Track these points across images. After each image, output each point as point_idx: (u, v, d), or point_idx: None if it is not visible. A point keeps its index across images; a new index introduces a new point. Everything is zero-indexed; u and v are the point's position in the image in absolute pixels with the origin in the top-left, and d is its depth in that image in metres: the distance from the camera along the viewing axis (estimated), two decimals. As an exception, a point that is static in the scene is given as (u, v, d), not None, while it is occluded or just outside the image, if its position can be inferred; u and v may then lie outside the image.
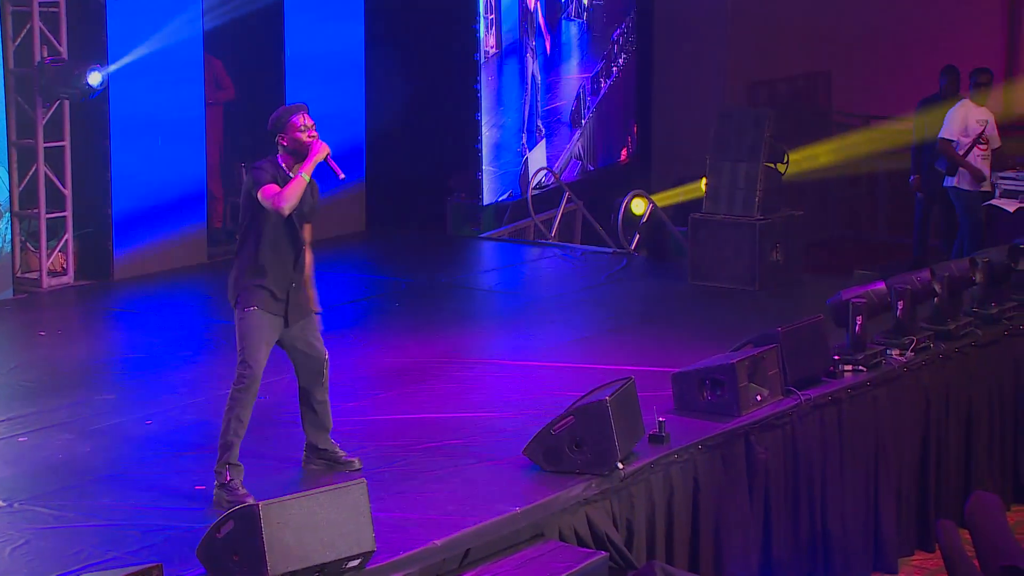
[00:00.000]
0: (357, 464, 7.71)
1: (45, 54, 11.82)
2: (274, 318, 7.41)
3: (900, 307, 9.94)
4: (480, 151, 14.91)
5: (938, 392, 10.02)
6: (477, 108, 14.88)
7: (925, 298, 10.11)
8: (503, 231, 14.94)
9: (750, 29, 18.09)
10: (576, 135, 15.87)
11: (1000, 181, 13.33)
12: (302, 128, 7.36)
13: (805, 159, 15.87)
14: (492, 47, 15.00)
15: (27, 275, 12.02)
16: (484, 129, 14.86)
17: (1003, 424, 10.66)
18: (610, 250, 13.95)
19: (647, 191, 15.13)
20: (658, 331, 11.00)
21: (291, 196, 7.25)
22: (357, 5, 14.30)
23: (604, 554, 7.19)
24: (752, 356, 8.85)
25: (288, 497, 6.19)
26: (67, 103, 11.92)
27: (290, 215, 7.31)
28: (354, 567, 6.29)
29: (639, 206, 14.76)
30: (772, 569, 8.68)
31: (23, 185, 11.98)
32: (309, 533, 6.11)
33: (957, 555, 7.65)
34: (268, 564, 5.96)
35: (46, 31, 11.79)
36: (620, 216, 14.38)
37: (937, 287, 10.08)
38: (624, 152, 16.66)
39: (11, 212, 11.84)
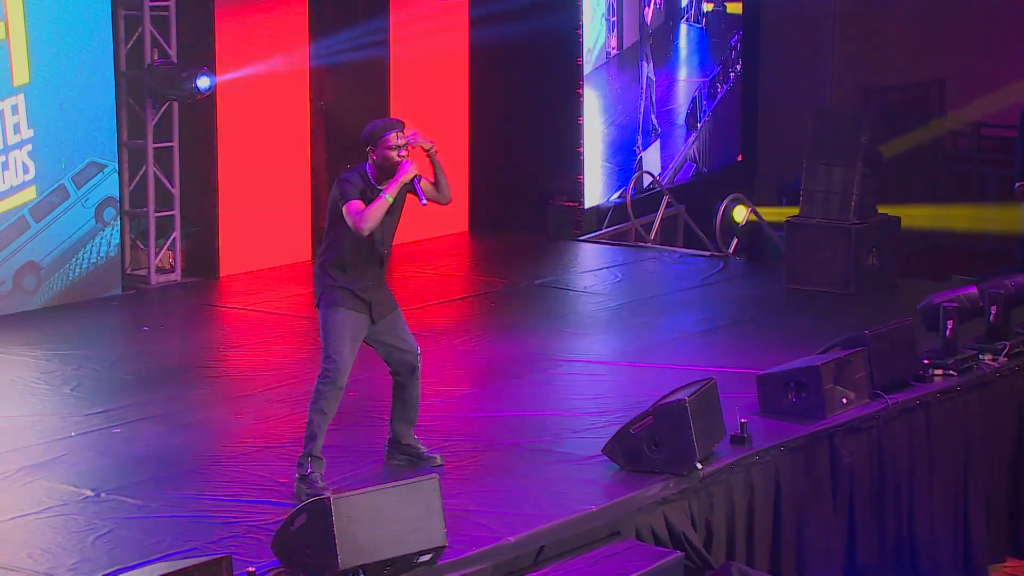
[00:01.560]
0: (439, 460, 7.65)
1: (155, 57, 11.89)
2: (360, 316, 7.37)
3: (993, 312, 9.69)
4: (582, 155, 14.78)
5: (1029, 397, 9.77)
6: (579, 112, 14.75)
7: (1019, 303, 9.85)
8: (603, 234, 14.78)
9: (861, 35, 17.82)
10: (692, 138, 15.70)
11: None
12: (393, 147, 7.29)
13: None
14: (614, 48, 14.91)
15: (136, 272, 12.11)
16: (601, 127, 14.76)
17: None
18: (708, 253, 13.77)
19: (751, 195, 14.96)
20: (750, 333, 10.82)
21: (372, 217, 7.21)
22: (462, 12, 14.24)
23: (679, 554, 7.06)
24: (838, 359, 8.67)
25: (359, 491, 6.15)
26: (176, 105, 11.98)
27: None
28: (425, 561, 6.22)
29: (740, 212, 14.60)
30: (856, 571, 8.49)
31: (133, 185, 12.06)
32: (380, 527, 6.06)
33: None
34: (339, 557, 5.91)
35: (156, 35, 11.86)
36: (719, 220, 14.20)
37: (1030, 293, 9.82)
38: (740, 154, 16.45)
39: (121, 211, 11.92)
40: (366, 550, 6.00)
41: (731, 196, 14.52)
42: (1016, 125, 13.91)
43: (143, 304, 11.64)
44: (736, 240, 14.05)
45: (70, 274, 11.60)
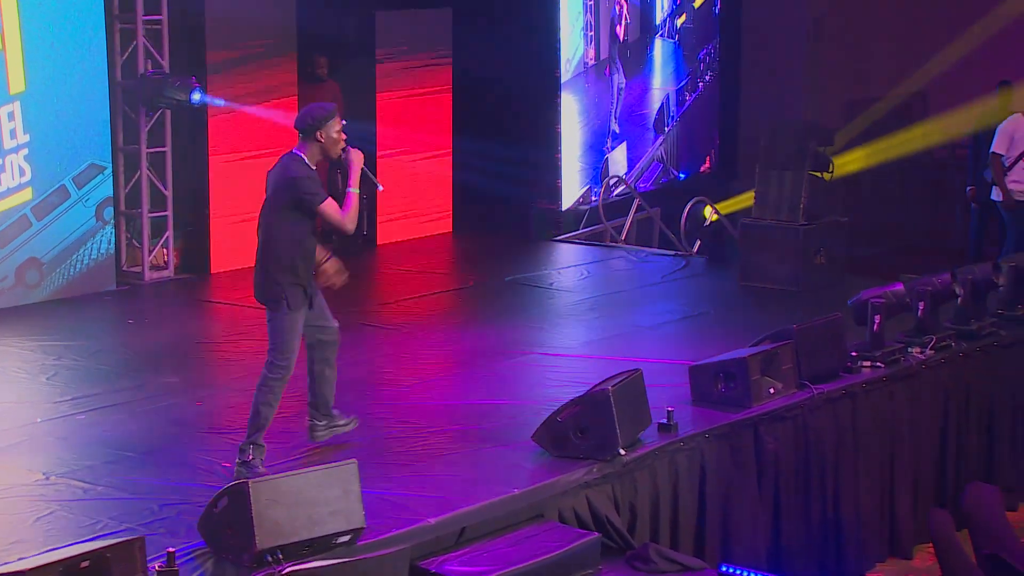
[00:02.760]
0: (354, 423, 7.54)
1: (149, 67, 11.77)
2: (304, 311, 7.20)
3: (921, 307, 9.49)
4: (560, 161, 14.63)
5: (958, 389, 9.57)
6: (557, 121, 14.60)
7: (946, 300, 9.64)
8: (579, 234, 14.61)
9: (843, 49, 17.54)
10: (659, 140, 15.51)
11: (1043, 191, 12.73)
12: (339, 131, 7.07)
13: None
14: (591, 59, 14.75)
15: (132, 269, 11.98)
16: (578, 132, 14.58)
17: (1024, 421, 10.16)
18: (672, 253, 13.58)
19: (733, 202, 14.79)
20: (699, 327, 10.65)
21: (354, 216, 7.04)
22: (445, 22, 14.08)
23: (597, 535, 6.89)
24: (766, 351, 8.49)
25: (279, 475, 6.01)
26: (168, 112, 11.85)
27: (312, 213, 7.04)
28: (344, 542, 6.07)
29: (711, 212, 14.43)
30: (781, 553, 8.31)
31: (129, 187, 11.94)
32: (298, 510, 5.91)
33: (947, 543, 7.24)
34: (256, 539, 5.76)
35: (149, 46, 11.74)
36: (683, 221, 14.02)
37: (958, 289, 9.60)
38: (708, 161, 16.22)
39: (117, 211, 11.80)
40: (284, 532, 5.85)
41: (695, 199, 14.34)
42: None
43: (135, 299, 11.49)
44: (699, 241, 13.84)
45: (71, 270, 11.48)
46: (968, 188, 13.78)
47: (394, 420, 7.97)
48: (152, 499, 6.65)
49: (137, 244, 12.02)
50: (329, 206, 6.97)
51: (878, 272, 13.06)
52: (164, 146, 11.95)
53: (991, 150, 12.77)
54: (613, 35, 15.04)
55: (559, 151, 14.67)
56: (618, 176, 14.92)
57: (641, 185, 15.02)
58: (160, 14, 11.75)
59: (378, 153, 13.24)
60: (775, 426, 8.24)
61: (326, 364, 7.45)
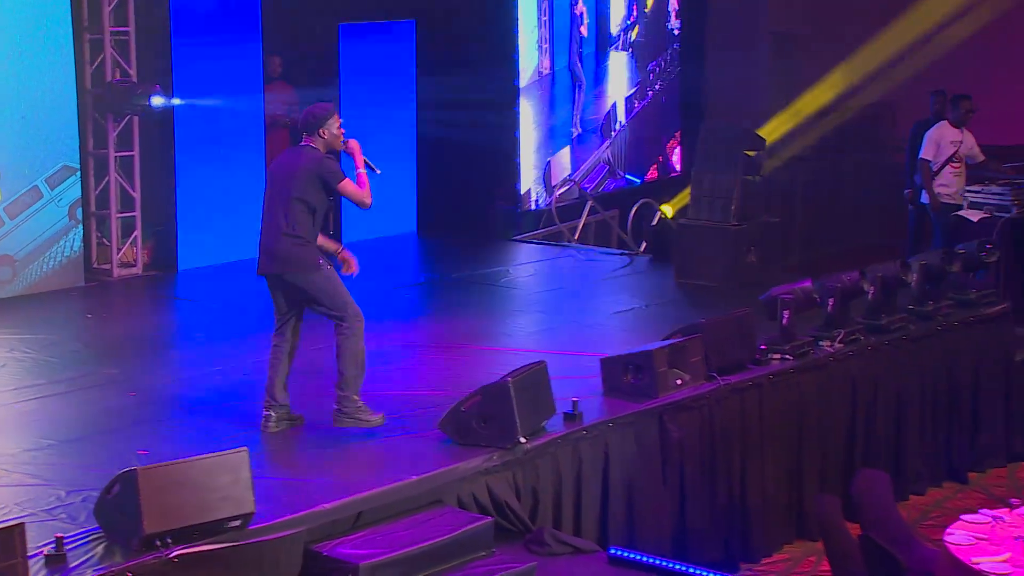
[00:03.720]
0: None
1: (117, 75, 11.65)
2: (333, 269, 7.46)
3: (831, 303, 9.34)
4: (519, 165, 14.49)
5: (866, 381, 9.41)
6: (516, 127, 14.46)
7: (855, 296, 9.48)
8: (536, 234, 14.47)
9: (815, 59, 17.29)
10: (606, 143, 15.35)
11: (967, 194, 12.57)
12: (339, 127, 7.37)
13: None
14: (547, 68, 14.59)
15: (102, 267, 11.87)
16: (533, 136, 14.40)
17: (935, 412, 9.99)
18: (619, 252, 13.43)
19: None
20: (629, 322, 10.50)
21: (370, 192, 7.36)
22: (408, 35, 13.94)
23: (489, 519, 6.75)
24: (674, 344, 8.34)
25: (168, 463, 5.87)
26: (136, 118, 11.72)
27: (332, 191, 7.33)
28: (235, 527, 5.93)
29: (668, 211, 14.29)
30: (686, 535, 8.16)
31: (99, 189, 11.83)
32: (188, 496, 5.78)
33: (830, 526, 7.10)
34: (144, 523, 5.63)
35: (117, 56, 11.62)
36: (629, 222, 13.87)
37: (866, 286, 9.45)
38: (654, 169, 16.04)
39: (88, 212, 11.70)
40: (173, 517, 5.72)
41: (641, 201, 14.19)
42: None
43: (102, 295, 11.36)
44: (644, 240, 13.68)
45: (44, 266, 11.36)
46: (906, 191, 13.63)
47: (312, 408, 7.79)
48: (62, 486, 6.49)
49: (107, 243, 11.90)
50: (348, 184, 7.30)
51: (817, 272, 12.92)
52: (132, 150, 11.83)
53: (920, 156, 12.65)
54: (571, 46, 14.89)
55: (518, 155, 14.54)
56: (568, 178, 14.75)
57: (586, 185, 14.84)
58: (127, 25, 11.63)
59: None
60: (680, 415, 8.10)
61: (293, 352, 7.56)
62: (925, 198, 12.73)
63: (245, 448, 6.03)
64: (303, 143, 7.39)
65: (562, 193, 14.52)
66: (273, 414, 7.44)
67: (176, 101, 11.63)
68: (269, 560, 5.98)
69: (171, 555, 5.63)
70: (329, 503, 6.33)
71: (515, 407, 7.09)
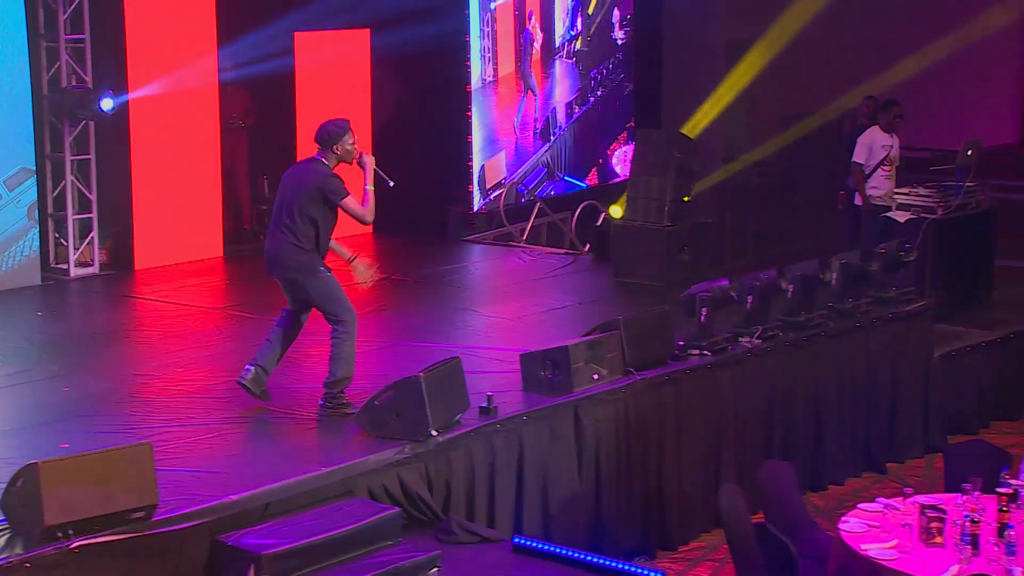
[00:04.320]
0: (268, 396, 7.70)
1: (73, 81, 11.54)
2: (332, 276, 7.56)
3: (750, 301, 9.28)
4: (471, 168, 14.41)
5: (784, 375, 9.36)
6: (469, 131, 14.37)
7: (774, 294, 9.42)
8: (488, 235, 14.38)
9: (773, 64, 17.23)
10: (545, 147, 15.25)
11: (896, 196, 12.50)
12: (353, 143, 7.44)
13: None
14: (490, 75, 14.49)
15: (59, 266, 11.76)
16: (479, 138, 14.31)
17: (854, 405, 9.93)
18: (563, 251, 13.36)
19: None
20: (563, 318, 10.41)
21: (373, 209, 7.43)
22: (363, 42, 13.84)
23: (396, 509, 6.69)
24: (591, 340, 8.27)
25: (70, 456, 5.78)
26: (92, 123, 11.62)
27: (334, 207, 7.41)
28: (139, 518, 5.84)
29: (616, 211, 14.20)
30: (602, 524, 8.09)
31: (56, 192, 11.72)
32: (91, 488, 5.69)
33: (730, 515, 7.03)
34: (45, 515, 5.55)
35: (72, 62, 11.52)
36: (573, 223, 13.80)
37: (784, 284, 9.39)
38: (594, 173, 15.94)
39: (44, 214, 11.61)
40: (75, 509, 5.64)
41: (585, 203, 14.12)
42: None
43: (57, 293, 11.24)
44: (588, 241, 13.60)
45: (2, 265, 11.26)
46: (840, 193, 13.58)
47: (232, 400, 7.70)
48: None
49: (64, 243, 11.79)
50: (351, 201, 7.37)
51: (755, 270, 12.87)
52: (88, 154, 11.73)
53: (852, 160, 12.59)
54: (518, 55, 14.82)
55: (470, 159, 14.45)
56: (502, 181, 14.62)
57: (523, 187, 14.74)
58: (83, 33, 11.53)
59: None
60: (596, 409, 8.03)
61: (288, 343, 7.72)
62: (857, 200, 12.67)
63: (149, 442, 5.94)
64: (316, 156, 7.50)
65: (495, 196, 14.40)
66: (254, 370, 7.59)
67: (121, 99, 11.48)
68: (173, 550, 5.90)
69: (71, 546, 5.54)
70: (236, 495, 6.25)
71: (426, 401, 7.01)
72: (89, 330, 9.95)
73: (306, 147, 13.00)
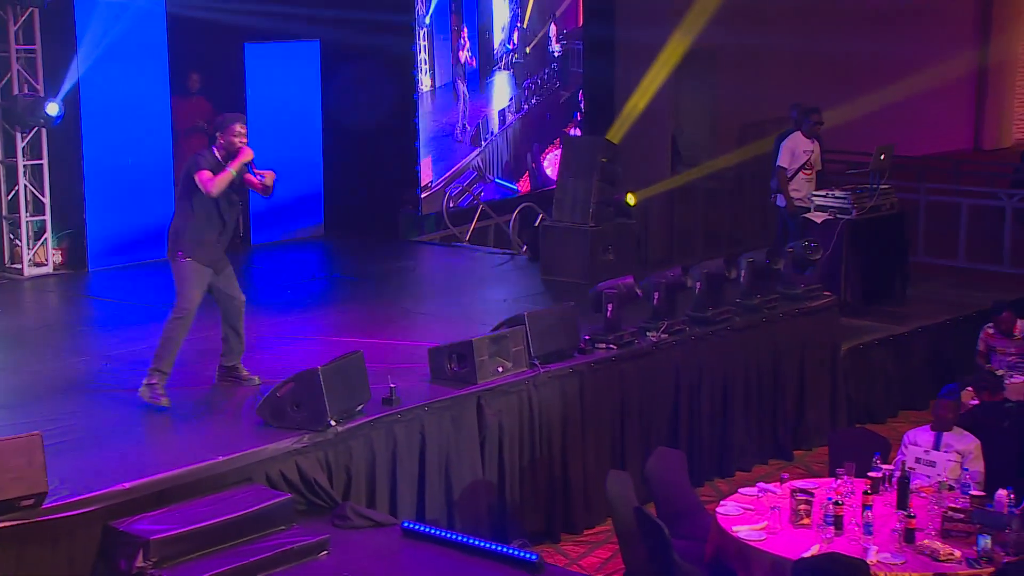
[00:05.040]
0: (257, 381, 7.79)
1: (25, 90, 11.45)
2: (206, 269, 7.52)
3: (656, 297, 9.21)
4: (419, 172, 14.32)
5: (690, 367, 9.30)
6: (416, 137, 14.30)
7: (679, 291, 9.35)
8: (435, 236, 14.31)
9: (736, 74, 17.13)
10: (475, 151, 15.14)
11: (814, 198, 12.45)
12: (237, 134, 7.53)
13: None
14: (426, 85, 14.40)
15: (13, 266, 11.67)
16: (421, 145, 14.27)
17: (760, 395, 9.88)
18: (501, 251, 13.29)
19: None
20: (483, 315, 10.26)
21: (219, 185, 7.44)
22: (313, 53, 13.76)
23: (288, 496, 6.62)
24: (496, 334, 8.21)
25: (-40, 445, 5.69)
26: (44, 129, 11.53)
27: (228, 192, 7.52)
28: (28, 506, 5.76)
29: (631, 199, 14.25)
30: (506, 509, 8.02)
31: (10, 195, 11.63)
32: (-22, 476, 5.60)
33: (617, 502, 6.98)
34: (-68, 503, 5.47)
35: (23, 71, 11.43)
36: (511, 224, 13.73)
37: (689, 282, 9.32)
38: (527, 177, 15.84)
39: (1, 216, 11.53)
40: (-38, 496, 5.55)
41: (522, 206, 14.05)
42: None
43: (11, 291, 11.12)
44: (525, 242, 13.52)
45: (-40, 266, 11.21)
46: (772, 196, 13.53)
47: (172, 392, 7.59)
48: None
49: (19, 244, 11.69)
50: (202, 175, 7.44)
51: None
52: (41, 159, 11.64)
53: (776, 164, 12.53)
54: (454, 66, 14.73)
55: (419, 163, 14.37)
56: (428, 184, 14.52)
57: (452, 190, 14.65)
58: (34, 43, 11.44)
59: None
60: (498, 400, 7.97)
61: (231, 329, 7.78)
62: (781, 201, 12.62)
63: (39, 432, 5.86)
64: (205, 148, 7.73)
65: (426, 198, 14.31)
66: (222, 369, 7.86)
67: (58, 106, 11.38)
68: (64, 537, 5.82)
69: (-42, 532, 5.46)
70: (128, 483, 6.16)
71: (324, 392, 6.94)
72: (32, 324, 9.85)
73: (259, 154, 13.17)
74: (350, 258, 12.89)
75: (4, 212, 11.64)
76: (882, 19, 19.63)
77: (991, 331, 10.09)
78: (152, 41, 12.17)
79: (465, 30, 14.85)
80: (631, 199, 14.35)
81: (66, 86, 11.52)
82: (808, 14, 17.96)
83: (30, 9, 11.35)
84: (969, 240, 14.21)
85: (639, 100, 15.61)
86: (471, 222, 14.39)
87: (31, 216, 11.64)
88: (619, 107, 16.26)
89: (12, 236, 11.74)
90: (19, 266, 11.64)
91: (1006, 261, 14.09)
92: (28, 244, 11.61)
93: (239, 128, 7.55)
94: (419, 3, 14.17)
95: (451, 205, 14.34)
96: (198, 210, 7.49)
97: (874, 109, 17.65)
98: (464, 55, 14.89)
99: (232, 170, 7.45)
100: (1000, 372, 9.41)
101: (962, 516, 6.41)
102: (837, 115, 16.29)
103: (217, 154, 7.54)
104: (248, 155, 7.53)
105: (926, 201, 14.94)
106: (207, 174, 7.43)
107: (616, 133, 15.07)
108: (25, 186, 11.57)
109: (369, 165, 14.43)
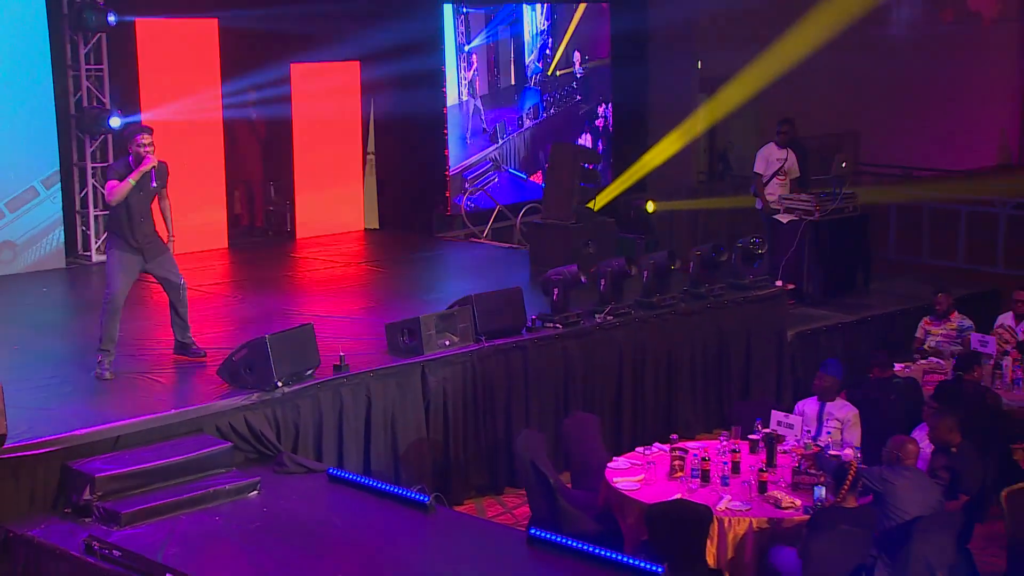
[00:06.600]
0: (203, 354, 7.82)
1: (94, 103, 11.87)
2: (132, 256, 7.59)
3: (602, 283, 9.22)
4: (449, 176, 14.47)
5: (633, 347, 9.28)
6: (446, 145, 14.45)
7: (624, 278, 9.34)
8: (461, 233, 14.43)
9: (781, 92, 16.88)
10: (494, 146, 15.19)
11: (783, 201, 12.31)
12: (141, 144, 7.52)
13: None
14: (454, 99, 14.52)
15: (84, 253, 12.09)
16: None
17: (706, 372, 9.81)
18: (507, 245, 13.37)
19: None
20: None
21: (117, 194, 7.49)
22: (354, 73, 13.97)
23: (228, 444, 6.81)
24: (444, 312, 8.30)
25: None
26: (109, 136, 11.94)
27: (136, 193, 7.52)
28: (-10, 445, 6.03)
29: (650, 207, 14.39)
30: (450, 466, 8.11)
31: (82, 193, 12.06)
32: (-55, 419, 5.87)
33: (522, 457, 7.03)
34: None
35: (92, 87, 11.85)
36: (518, 222, 13.78)
37: (632, 270, 9.31)
38: (539, 173, 15.83)
39: (73, 210, 11.93)
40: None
41: (528, 206, 14.08)
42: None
43: (80, 275, 11.50)
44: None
45: (40, 251, 11.62)
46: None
47: (145, 357, 7.82)
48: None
49: (89, 234, 12.11)
50: (108, 184, 7.52)
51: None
52: (108, 161, 12.02)
53: (753, 170, 12.43)
54: (475, 83, 14.86)
55: (448, 168, 14.51)
56: (490, 193, 14.59)
57: (469, 175, 14.73)
58: (102, 64, 11.85)
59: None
60: (442, 369, 8.06)
61: (174, 311, 7.86)
62: (758, 204, 12.51)
63: (-1, 383, 6.11)
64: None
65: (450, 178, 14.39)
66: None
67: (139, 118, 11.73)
68: (26, 473, 6.07)
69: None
70: (85, 429, 6.39)
71: (271, 357, 7.10)
72: (80, 305, 10.18)
73: (303, 160, 13.46)
74: (376, 250, 12.99)
75: (77, 207, 12.06)
76: (924, 44, 19.07)
77: (929, 320, 10.06)
78: (206, 57, 12.44)
79: (475, 56, 14.93)
80: (651, 206, 14.35)
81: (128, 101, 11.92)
82: (851, 34, 17.51)
83: (98, 35, 11.78)
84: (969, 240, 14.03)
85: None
86: (488, 222, 14.54)
87: (99, 211, 12.05)
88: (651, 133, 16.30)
89: (84, 228, 12.17)
90: (88, 253, 12.06)
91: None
92: (96, 235, 12.02)
93: (143, 138, 7.53)
94: (458, 33, 14.30)
95: (468, 202, 14.41)
96: (120, 211, 7.56)
97: (918, 126, 17.26)
98: (470, 74, 14.97)
99: (132, 180, 7.45)
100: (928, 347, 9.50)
101: (811, 468, 6.39)
102: (881, 129, 16.01)
103: (132, 163, 7.54)
104: (149, 164, 7.49)
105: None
106: (113, 184, 7.49)
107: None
108: (93, 186, 11.99)
109: (408, 170, 14.61)
